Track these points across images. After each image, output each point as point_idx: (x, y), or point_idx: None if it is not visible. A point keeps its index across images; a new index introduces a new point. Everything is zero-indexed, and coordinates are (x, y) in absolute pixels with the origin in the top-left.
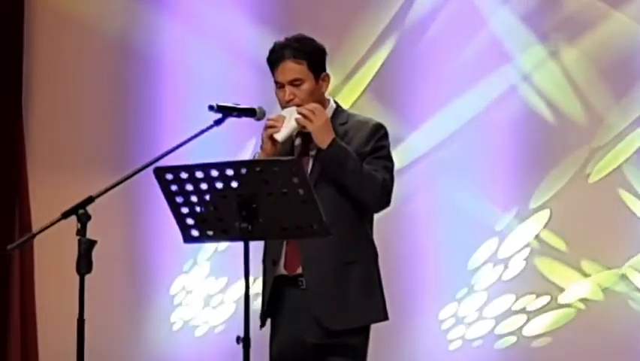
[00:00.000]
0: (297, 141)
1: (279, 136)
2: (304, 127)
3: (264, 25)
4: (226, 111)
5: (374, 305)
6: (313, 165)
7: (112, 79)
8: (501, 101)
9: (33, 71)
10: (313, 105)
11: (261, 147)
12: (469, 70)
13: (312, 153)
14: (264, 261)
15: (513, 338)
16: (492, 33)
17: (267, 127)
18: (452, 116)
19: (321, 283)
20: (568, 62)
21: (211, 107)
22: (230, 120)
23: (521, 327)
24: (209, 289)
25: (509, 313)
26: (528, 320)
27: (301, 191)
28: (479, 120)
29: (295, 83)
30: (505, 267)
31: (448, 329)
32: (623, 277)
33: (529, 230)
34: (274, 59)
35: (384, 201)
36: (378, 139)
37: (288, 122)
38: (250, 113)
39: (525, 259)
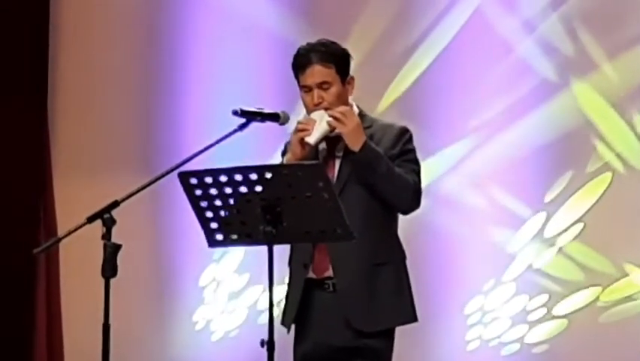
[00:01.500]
0: (322, 145)
1: (311, 139)
2: (333, 129)
3: (290, 30)
4: (250, 116)
5: (404, 307)
6: (341, 166)
7: (137, 83)
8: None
9: (58, 75)
10: (344, 108)
11: (291, 150)
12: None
13: (339, 154)
14: (290, 264)
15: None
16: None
17: (297, 130)
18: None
19: (352, 285)
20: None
21: (235, 112)
22: (255, 125)
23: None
24: (232, 289)
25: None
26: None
27: (325, 195)
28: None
29: (324, 86)
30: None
31: (472, 324)
32: None
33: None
34: (301, 63)
35: (415, 202)
36: (405, 142)
37: (319, 125)
38: (274, 117)
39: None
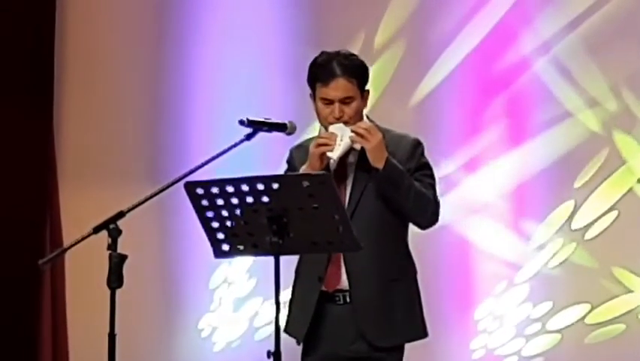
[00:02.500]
0: (352, 158)
1: (334, 155)
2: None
3: (298, 39)
4: (257, 126)
5: (415, 322)
6: (354, 181)
7: (143, 93)
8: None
9: (64, 86)
10: (368, 124)
11: (309, 164)
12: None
13: (352, 168)
14: (297, 274)
15: None
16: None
17: (318, 144)
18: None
19: (369, 298)
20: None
21: (242, 122)
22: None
23: None
24: (241, 295)
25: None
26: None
27: (332, 206)
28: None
29: (346, 100)
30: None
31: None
32: None
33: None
34: (323, 74)
35: (434, 218)
36: (420, 155)
37: (342, 141)
38: (281, 127)
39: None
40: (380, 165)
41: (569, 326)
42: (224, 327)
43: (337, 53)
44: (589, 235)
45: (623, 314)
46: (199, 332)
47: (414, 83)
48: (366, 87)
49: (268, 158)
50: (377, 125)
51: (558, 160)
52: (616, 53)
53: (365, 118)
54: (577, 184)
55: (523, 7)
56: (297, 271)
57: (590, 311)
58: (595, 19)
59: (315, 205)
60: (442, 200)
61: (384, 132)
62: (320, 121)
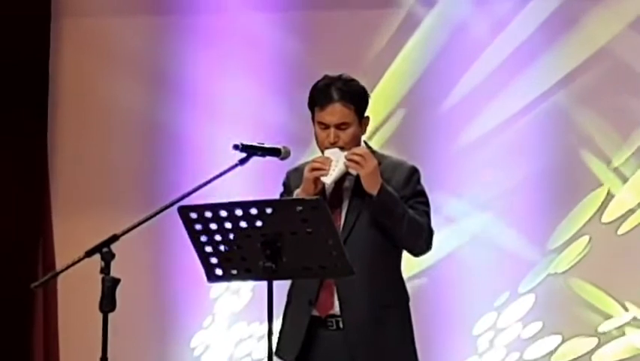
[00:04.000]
0: (348, 183)
1: (328, 180)
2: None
3: (293, 65)
4: (251, 150)
5: (407, 350)
6: (349, 207)
7: (138, 118)
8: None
9: (58, 111)
10: (363, 150)
11: (303, 188)
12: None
13: (347, 194)
14: (289, 298)
15: None
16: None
17: (312, 169)
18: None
19: (360, 324)
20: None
21: (236, 146)
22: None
23: None
24: (231, 326)
25: None
26: None
27: (325, 230)
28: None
29: (342, 126)
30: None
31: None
32: None
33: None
34: (321, 98)
35: (428, 245)
36: (416, 183)
37: (337, 166)
38: (275, 152)
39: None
40: (374, 192)
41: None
42: (216, 351)
43: (338, 78)
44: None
45: None
46: (192, 355)
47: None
48: (366, 114)
49: (262, 183)
50: (374, 151)
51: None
52: None
53: (363, 144)
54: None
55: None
56: (288, 295)
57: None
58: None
59: (309, 230)
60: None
61: (382, 158)
62: (317, 144)
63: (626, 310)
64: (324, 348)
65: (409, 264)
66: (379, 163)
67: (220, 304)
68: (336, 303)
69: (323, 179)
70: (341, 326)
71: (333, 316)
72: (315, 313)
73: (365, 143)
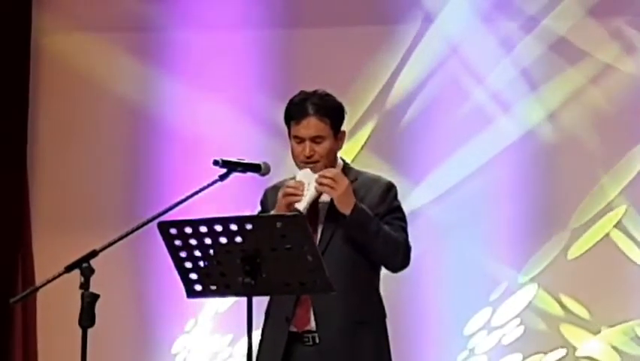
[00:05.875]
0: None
1: (301, 206)
2: (321, 193)
3: (269, 82)
4: (231, 166)
5: None
6: (325, 224)
7: (116, 137)
8: (501, 155)
9: (38, 128)
10: (333, 172)
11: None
12: (468, 124)
13: (323, 211)
14: (267, 314)
15: None
16: (490, 88)
17: (286, 194)
18: (451, 171)
19: (335, 341)
20: (567, 119)
21: (216, 162)
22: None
23: None
24: (212, 345)
25: None
26: None
27: (305, 247)
28: (480, 174)
29: (317, 140)
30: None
31: None
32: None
33: (528, 292)
34: (297, 113)
35: (405, 261)
36: (392, 199)
37: (308, 191)
38: (255, 168)
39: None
40: (347, 211)
41: None
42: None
43: (313, 93)
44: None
45: None
46: None
47: None
48: (342, 128)
49: (242, 199)
50: (350, 168)
51: None
52: None
53: (339, 160)
54: None
55: None
56: (266, 312)
57: None
58: None
59: (288, 246)
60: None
61: (358, 175)
62: (293, 159)
63: None
64: None
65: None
66: (355, 180)
67: (200, 318)
68: (312, 318)
69: (296, 205)
70: (317, 341)
71: (309, 331)
72: (292, 328)
73: (342, 159)
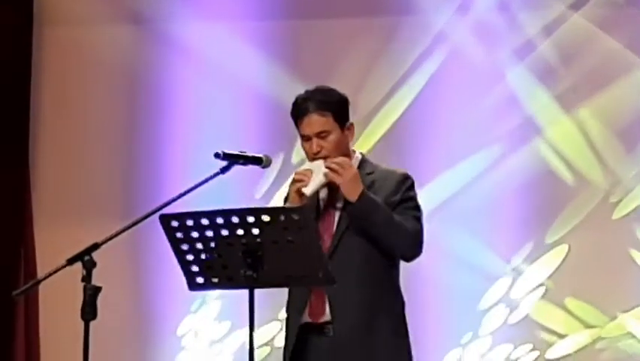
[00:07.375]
0: (323, 194)
1: (307, 190)
2: (332, 181)
3: (275, 70)
4: (232, 159)
5: (402, 358)
6: (340, 215)
7: (118, 128)
8: (515, 156)
9: (39, 120)
10: (341, 159)
11: (289, 200)
12: (482, 125)
13: (339, 205)
14: (287, 310)
15: None
16: (507, 89)
17: (294, 181)
18: (465, 169)
19: (351, 331)
20: (582, 120)
21: (217, 155)
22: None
23: None
24: (213, 335)
25: None
26: None
27: (307, 239)
28: (492, 175)
29: (322, 135)
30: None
31: None
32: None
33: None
34: (298, 112)
35: (416, 250)
36: (406, 189)
37: (316, 177)
38: (256, 161)
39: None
40: (353, 198)
41: None
42: (200, 358)
43: (314, 90)
44: None
45: None
46: None
47: None
48: (349, 120)
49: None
50: (367, 160)
51: None
52: None
53: (357, 153)
54: None
55: None
56: (287, 309)
57: None
58: None
59: (290, 238)
60: None
61: (375, 168)
62: (307, 157)
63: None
64: (316, 355)
65: None
66: (372, 172)
67: (201, 312)
68: (327, 310)
69: (303, 190)
70: (332, 333)
71: (327, 323)
72: (309, 320)
73: (361, 153)
